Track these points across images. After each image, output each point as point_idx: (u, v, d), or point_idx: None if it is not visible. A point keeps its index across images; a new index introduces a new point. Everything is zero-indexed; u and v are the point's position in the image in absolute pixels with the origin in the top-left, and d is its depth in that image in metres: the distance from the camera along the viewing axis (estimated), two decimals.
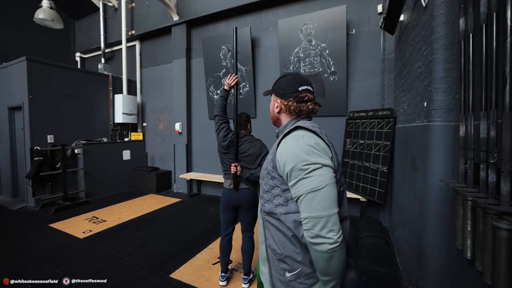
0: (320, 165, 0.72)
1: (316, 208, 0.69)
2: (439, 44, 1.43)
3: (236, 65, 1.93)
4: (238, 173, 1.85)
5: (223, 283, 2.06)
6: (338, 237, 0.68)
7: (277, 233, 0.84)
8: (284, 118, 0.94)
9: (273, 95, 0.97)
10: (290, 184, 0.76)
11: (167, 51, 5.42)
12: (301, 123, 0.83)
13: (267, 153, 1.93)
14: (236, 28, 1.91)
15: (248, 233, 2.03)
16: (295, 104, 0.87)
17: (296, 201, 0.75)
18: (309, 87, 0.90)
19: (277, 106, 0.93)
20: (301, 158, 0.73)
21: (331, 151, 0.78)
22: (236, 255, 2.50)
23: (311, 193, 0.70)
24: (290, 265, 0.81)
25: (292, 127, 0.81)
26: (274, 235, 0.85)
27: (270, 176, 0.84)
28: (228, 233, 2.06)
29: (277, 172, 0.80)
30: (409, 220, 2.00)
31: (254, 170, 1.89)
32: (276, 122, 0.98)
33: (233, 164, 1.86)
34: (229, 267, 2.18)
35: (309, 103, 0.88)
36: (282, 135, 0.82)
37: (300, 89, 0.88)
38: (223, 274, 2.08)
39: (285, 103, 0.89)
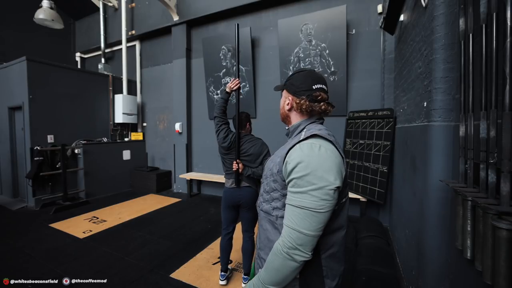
0: (333, 187, 0.68)
1: (306, 226, 0.68)
2: (439, 44, 1.43)
3: (238, 65, 1.92)
4: (240, 170, 1.86)
5: (223, 282, 2.07)
6: (311, 254, 0.70)
7: (264, 232, 0.85)
8: (294, 117, 0.88)
9: (284, 91, 0.91)
10: (290, 188, 0.73)
11: (167, 51, 5.42)
12: (316, 130, 0.78)
13: (268, 151, 1.94)
14: (238, 24, 1.88)
15: (249, 233, 2.03)
16: (307, 103, 0.82)
17: (286, 203, 0.73)
18: (323, 86, 0.84)
19: (288, 103, 0.88)
20: (316, 172, 0.68)
21: (343, 163, 0.75)
22: (236, 255, 2.50)
23: (308, 211, 0.68)
24: (262, 265, 0.83)
25: (309, 134, 0.76)
26: (261, 232, 0.87)
27: (272, 179, 0.82)
28: (229, 232, 2.06)
29: (280, 176, 0.78)
30: (409, 220, 2.00)
31: (256, 168, 1.89)
32: (285, 119, 0.93)
33: (234, 162, 1.86)
34: (229, 266, 2.18)
35: (322, 104, 0.83)
36: (297, 142, 0.76)
37: (314, 87, 0.82)
38: (222, 273, 2.08)
39: (297, 101, 0.84)
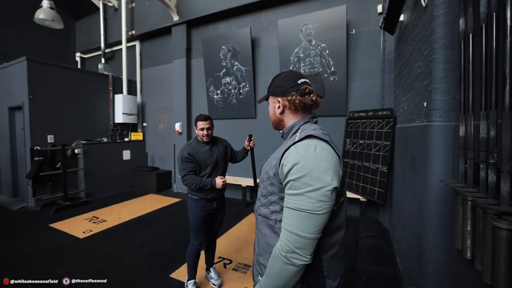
0: (330, 188, 0.67)
1: (304, 229, 0.67)
2: (439, 44, 1.43)
3: None
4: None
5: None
6: (311, 258, 0.69)
7: (263, 237, 0.84)
8: (289, 118, 0.88)
9: (271, 97, 0.92)
10: (287, 191, 0.72)
11: (167, 51, 5.42)
12: (311, 130, 0.77)
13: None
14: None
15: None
16: (299, 97, 0.82)
17: (284, 205, 0.73)
18: (307, 80, 0.86)
19: (279, 106, 0.87)
20: (312, 173, 0.68)
21: (340, 162, 0.75)
22: (236, 255, 2.50)
23: (306, 214, 0.67)
24: (262, 271, 0.83)
25: (304, 135, 0.75)
26: (260, 238, 0.86)
27: (269, 182, 0.81)
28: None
29: (277, 179, 0.77)
30: (409, 220, 2.00)
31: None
32: (279, 124, 0.92)
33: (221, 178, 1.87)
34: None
35: (311, 95, 0.84)
36: (292, 143, 0.75)
37: (299, 82, 0.84)
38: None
39: (289, 99, 0.84)
